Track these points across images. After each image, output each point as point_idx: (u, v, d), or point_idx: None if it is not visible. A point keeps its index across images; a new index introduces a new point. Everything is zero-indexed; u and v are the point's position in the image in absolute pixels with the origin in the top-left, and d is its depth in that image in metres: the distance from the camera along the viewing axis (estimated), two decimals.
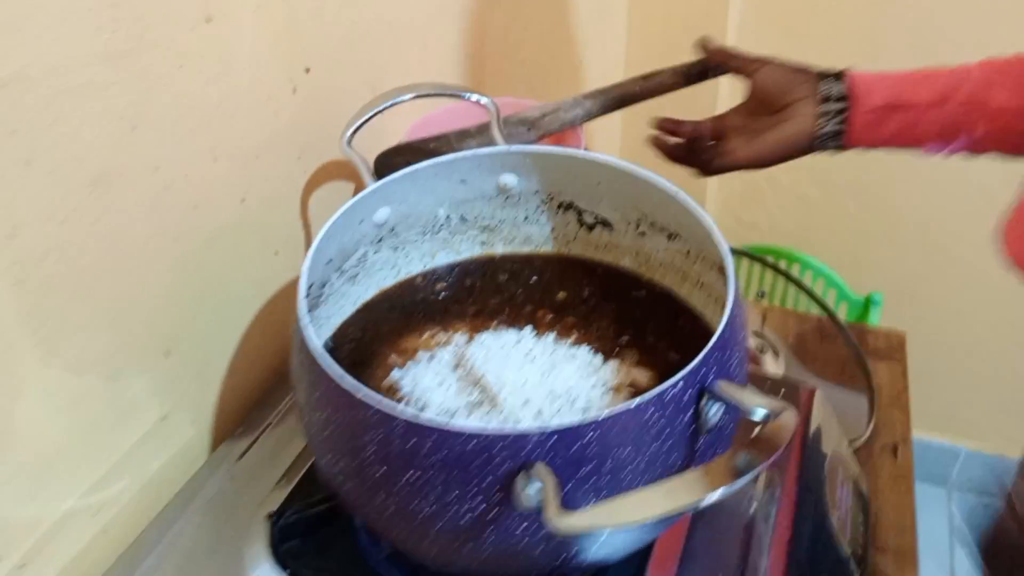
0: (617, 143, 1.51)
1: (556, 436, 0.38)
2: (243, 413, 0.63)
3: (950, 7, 1.23)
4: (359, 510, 0.46)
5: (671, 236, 0.57)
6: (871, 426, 0.79)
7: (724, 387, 0.40)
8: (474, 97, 0.60)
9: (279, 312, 0.65)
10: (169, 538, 0.53)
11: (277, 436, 0.61)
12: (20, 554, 0.47)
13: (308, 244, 0.67)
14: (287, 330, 0.67)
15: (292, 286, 0.66)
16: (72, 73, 0.43)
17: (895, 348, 0.90)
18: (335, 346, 0.56)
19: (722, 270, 0.51)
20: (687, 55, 0.69)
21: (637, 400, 0.39)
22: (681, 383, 0.40)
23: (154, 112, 0.49)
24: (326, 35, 0.63)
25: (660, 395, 0.39)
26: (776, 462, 0.57)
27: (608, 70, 1.36)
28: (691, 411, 0.41)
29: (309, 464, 0.58)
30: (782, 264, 1.47)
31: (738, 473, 0.36)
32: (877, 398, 0.82)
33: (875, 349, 0.90)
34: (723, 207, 1.56)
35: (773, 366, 0.83)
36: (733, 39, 1.35)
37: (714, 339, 0.42)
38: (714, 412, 0.41)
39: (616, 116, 1.37)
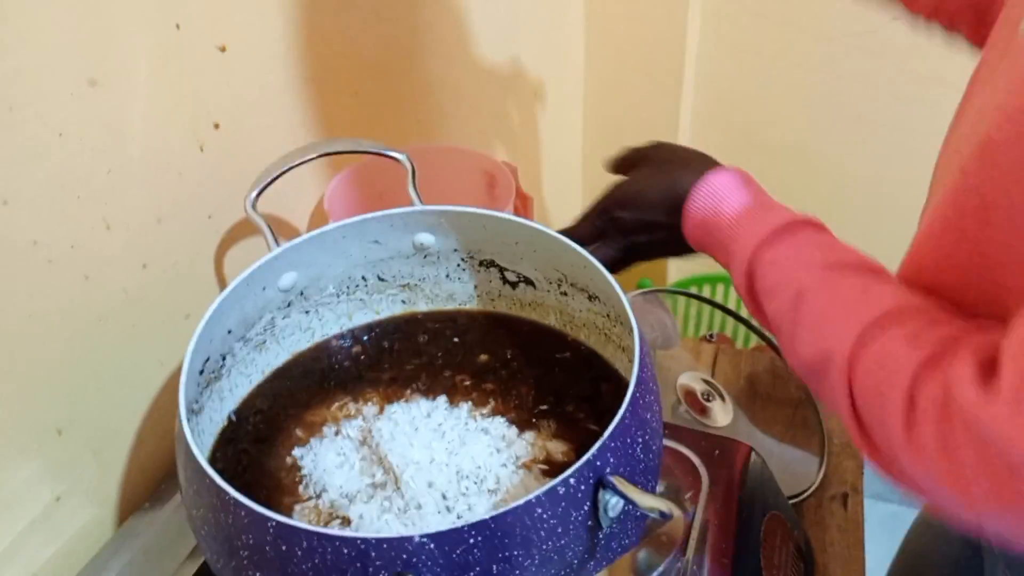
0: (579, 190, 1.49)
1: (434, 542, 0.35)
2: (152, 487, 0.60)
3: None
4: None
5: (591, 297, 0.55)
6: (820, 474, 0.77)
7: (619, 483, 0.37)
8: (390, 153, 0.58)
9: None
10: None
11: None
12: None
13: None
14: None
15: None
16: None
17: None
18: (239, 420, 0.54)
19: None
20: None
21: (524, 499, 0.36)
22: (573, 479, 0.37)
23: (28, 185, 0.47)
24: (236, 90, 0.61)
25: (550, 491, 0.37)
26: (710, 530, 0.55)
27: (567, 109, 1.34)
28: (587, 505, 0.38)
29: None
30: (720, 290, 1.45)
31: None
32: (827, 445, 0.80)
33: None
34: None
35: (721, 413, 0.80)
36: (692, 62, 1.34)
37: (612, 427, 0.39)
38: (614, 504, 0.39)
39: (578, 157, 1.35)
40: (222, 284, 0.64)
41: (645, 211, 0.54)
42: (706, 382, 0.83)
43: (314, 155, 0.56)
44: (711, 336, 0.92)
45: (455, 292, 0.62)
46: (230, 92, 0.61)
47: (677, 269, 1.52)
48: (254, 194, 0.54)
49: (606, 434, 0.39)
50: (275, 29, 0.64)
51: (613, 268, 0.54)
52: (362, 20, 0.75)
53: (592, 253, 0.50)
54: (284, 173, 0.55)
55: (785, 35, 1.27)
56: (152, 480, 0.60)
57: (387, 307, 0.62)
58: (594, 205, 0.58)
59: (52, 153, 0.48)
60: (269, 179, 0.55)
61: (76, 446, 0.54)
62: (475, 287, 0.61)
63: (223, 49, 0.59)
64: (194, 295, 0.62)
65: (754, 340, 1.19)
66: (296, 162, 0.55)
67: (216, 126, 0.60)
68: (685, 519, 0.34)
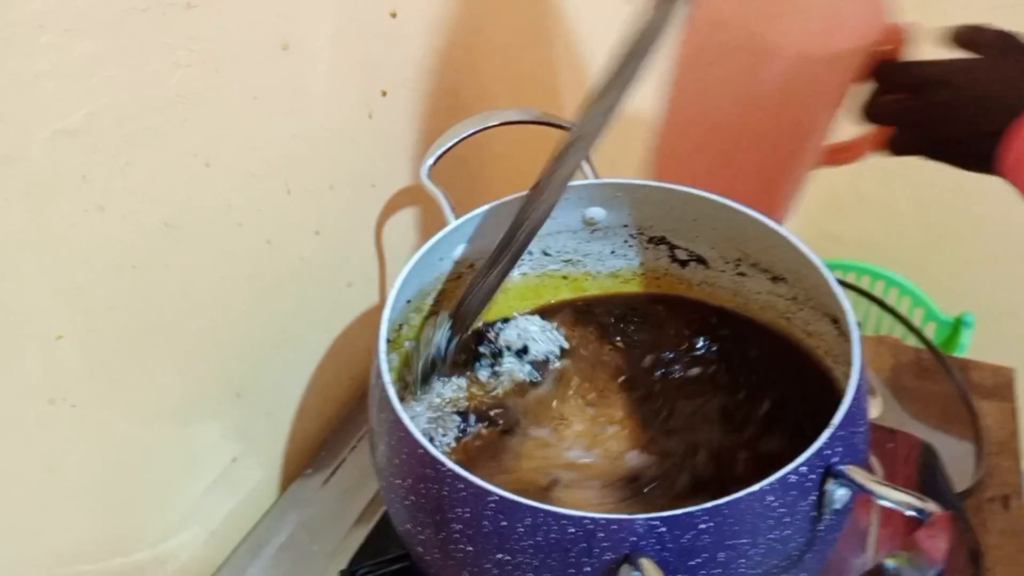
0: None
1: (665, 525, 0.34)
2: (313, 452, 0.61)
3: None
4: None
5: (775, 279, 0.53)
6: (980, 473, 0.73)
7: (856, 474, 0.35)
8: (565, 124, 0.56)
9: (351, 346, 0.62)
10: None
11: (348, 477, 0.59)
12: None
13: (382, 274, 0.64)
14: (359, 364, 0.65)
15: (364, 318, 0.64)
16: (146, 115, 0.41)
17: (1003, 386, 0.83)
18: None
19: (836, 321, 0.47)
20: None
21: (757, 485, 0.35)
22: (804, 467, 0.35)
23: (228, 148, 0.47)
24: (403, 56, 0.60)
25: (783, 479, 0.35)
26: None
27: None
28: (814, 495, 0.37)
29: (381, 513, 0.55)
30: (865, 280, 1.40)
31: None
32: (985, 443, 0.76)
33: (980, 386, 0.83)
34: (805, 218, 1.49)
35: (873, 407, 0.77)
36: None
37: (841, 414, 0.37)
38: (840, 495, 0.37)
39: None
40: (380, 253, 0.64)
41: (981, 103, 0.47)
42: None
43: (491, 123, 0.55)
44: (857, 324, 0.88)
45: (619, 269, 0.60)
46: (397, 59, 0.60)
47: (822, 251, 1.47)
48: (431, 161, 0.54)
49: (835, 422, 0.37)
50: None
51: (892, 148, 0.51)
52: None
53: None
54: (462, 140, 0.54)
55: None
56: (313, 446, 0.61)
57: (550, 289, 0.61)
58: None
59: (249, 117, 0.48)
60: (445, 147, 0.54)
61: (252, 409, 0.54)
62: (640, 264, 0.60)
63: (393, 15, 0.58)
64: (357, 263, 0.62)
65: (886, 327, 1.14)
66: (472, 130, 0.55)
67: (384, 93, 0.60)
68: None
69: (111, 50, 0.38)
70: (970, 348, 1.31)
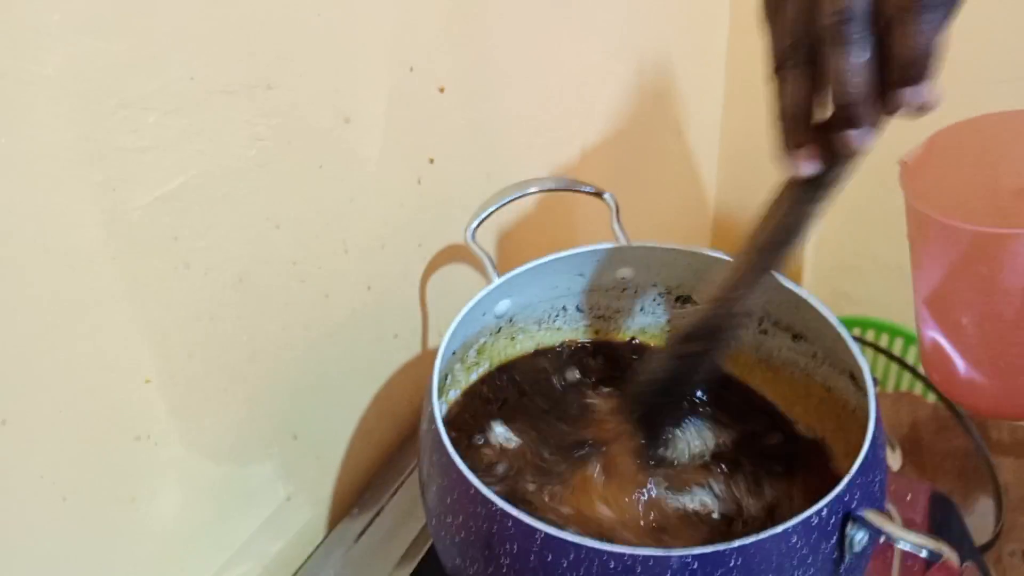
0: (708, 236, 1.50)
1: (698, 561, 0.37)
2: (358, 494, 0.64)
3: None
4: None
5: (796, 337, 0.56)
6: (1000, 527, 0.75)
7: (874, 517, 0.38)
8: (595, 191, 0.61)
9: (395, 393, 0.66)
10: None
11: (392, 517, 0.62)
12: None
13: (424, 327, 0.68)
14: (402, 410, 0.69)
15: (408, 368, 0.68)
16: (228, 182, 0.46)
17: (1021, 443, 0.85)
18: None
19: (853, 377, 0.50)
20: None
21: (782, 526, 0.38)
22: (825, 510, 0.39)
23: (295, 211, 0.52)
24: (448, 127, 0.65)
25: (805, 521, 0.38)
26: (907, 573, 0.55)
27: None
28: (835, 538, 0.40)
29: (423, 553, 0.58)
30: (884, 338, 1.42)
31: None
32: (1004, 498, 0.78)
33: (998, 442, 0.85)
34: (819, 278, 1.52)
35: (892, 460, 0.79)
36: None
37: (859, 462, 0.40)
38: (860, 539, 0.40)
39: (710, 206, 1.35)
40: (424, 307, 0.68)
41: None
42: None
43: (531, 190, 0.59)
44: (874, 381, 0.91)
45: (647, 325, 0.64)
46: (444, 130, 0.65)
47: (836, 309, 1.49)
48: (475, 224, 0.58)
49: (853, 469, 0.40)
50: (486, 71, 0.68)
51: None
52: None
53: None
54: (503, 206, 0.59)
55: None
56: (358, 488, 0.64)
57: (581, 336, 0.65)
58: None
59: (313, 183, 0.53)
60: (489, 211, 0.59)
61: (306, 450, 0.58)
62: (668, 321, 0.64)
63: (441, 90, 0.64)
64: (402, 316, 0.66)
65: (913, 387, 1.16)
66: (513, 196, 0.59)
67: (431, 161, 0.65)
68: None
69: (204, 126, 0.43)
70: None
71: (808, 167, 0.38)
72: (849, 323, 1.44)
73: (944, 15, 0.32)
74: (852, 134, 0.35)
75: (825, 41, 0.34)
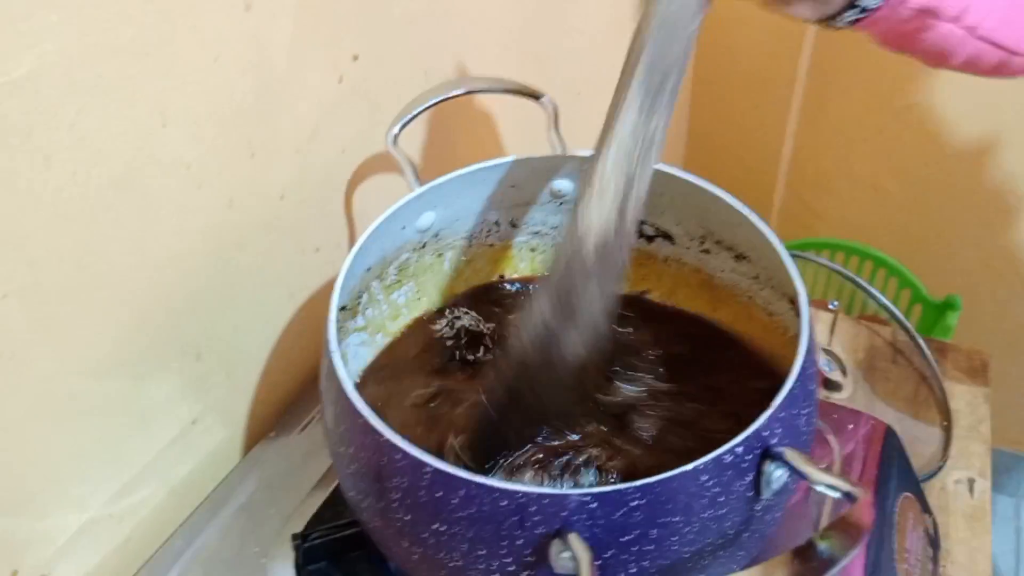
0: (681, 152, 1.44)
1: (597, 501, 0.34)
2: (277, 416, 0.61)
3: None
4: (385, 550, 0.43)
5: (738, 257, 0.52)
6: (946, 456, 0.73)
7: (792, 456, 0.35)
8: (533, 91, 0.56)
9: (317, 311, 0.62)
10: (193, 549, 0.51)
11: (311, 440, 0.59)
12: (42, 563, 0.45)
13: (351, 241, 0.64)
14: (323, 331, 0.65)
15: (330, 286, 0.63)
16: (96, 66, 0.40)
17: (977, 370, 0.83)
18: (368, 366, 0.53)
19: (793, 302, 0.47)
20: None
21: (691, 464, 0.35)
22: (740, 448, 0.35)
23: (187, 107, 0.46)
24: (376, 21, 0.59)
25: (716, 459, 0.35)
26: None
27: None
28: (751, 476, 0.37)
29: (337, 482, 0.55)
30: (853, 261, 1.39)
31: (830, 562, 0.31)
32: (953, 427, 0.76)
33: (954, 369, 0.83)
34: (792, 195, 1.48)
35: (842, 385, 0.77)
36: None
37: (781, 396, 0.37)
38: (778, 476, 0.37)
39: (683, 123, 1.30)
40: (350, 219, 0.64)
41: None
42: (827, 352, 0.80)
43: (459, 91, 0.54)
44: (834, 305, 0.88)
45: None
46: (369, 24, 0.59)
47: (792, 233, 1.46)
48: (397, 128, 0.53)
49: (775, 403, 0.37)
50: None
51: None
52: None
53: None
54: (427, 109, 0.53)
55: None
56: (277, 409, 0.61)
57: (517, 255, 0.60)
58: None
59: (208, 77, 0.47)
60: (412, 114, 0.53)
61: (212, 369, 0.54)
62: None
63: None
64: (325, 229, 0.61)
65: (871, 307, 1.14)
66: (439, 98, 0.54)
67: (355, 58, 0.59)
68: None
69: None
70: (957, 331, 1.31)
71: None
72: (818, 245, 1.40)
73: None
74: None
75: None
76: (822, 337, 0.86)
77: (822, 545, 0.31)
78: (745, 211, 0.48)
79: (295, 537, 0.50)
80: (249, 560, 0.50)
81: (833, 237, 1.43)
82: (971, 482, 0.73)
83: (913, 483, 0.61)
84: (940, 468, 0.72)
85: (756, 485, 0.37)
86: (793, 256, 0.85)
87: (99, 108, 0.41)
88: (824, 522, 0.52)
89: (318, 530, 0.50)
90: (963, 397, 0.80)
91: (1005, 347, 1.39)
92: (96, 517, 0.49)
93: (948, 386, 0.80)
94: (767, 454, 0.36)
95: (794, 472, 0.36)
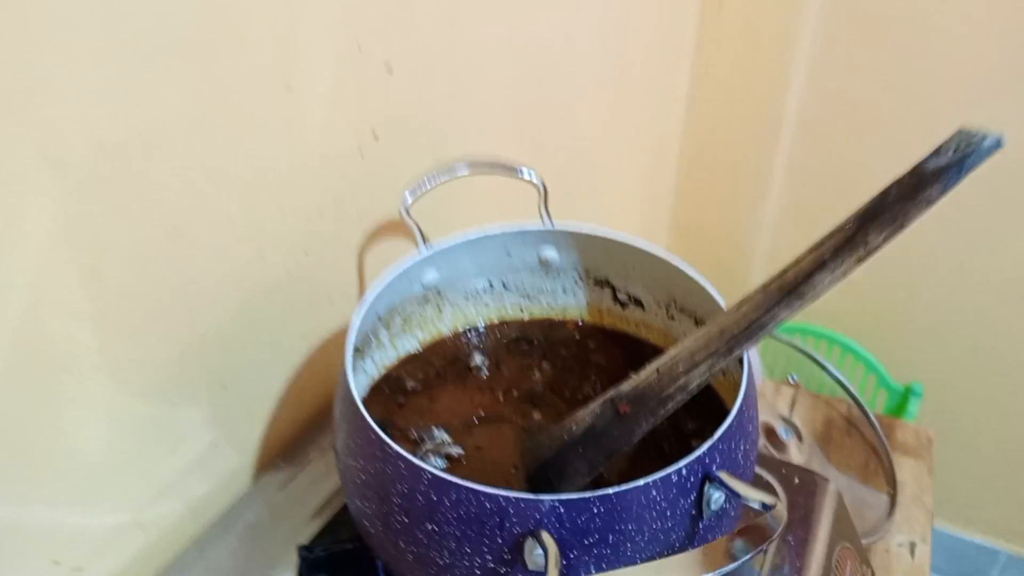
0: (665, 237, 1.54)
1: (564, 506, 0.41)
2: (286, 448, 0.68)
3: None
4: (382, 553, 0.50)
5: (698, 322, 0.60)
6: (890, 522, 0.80)
7: (725, 477, 0.43)
8: (528, 174, 0.65)
9: (327, 357, 0.70)
10: (206, 560, 0.57)
11: (315, 472, 0.65)
12: (78, 558, 0.52)
13: (361, 294, 0.72)
14: (332, 375, 0.73)
15: (341, 334, 0.71)
16: (161, 136, 0.49)
17: (923, 446, 0.90)
18: (373, 396, 0.61)
19: (742, 362, 0.55)
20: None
21: (643, 480, 0.42)
22: (685, 468, 0.43)
23: (231, 171, 0.55)
24: (395, 104, 0.69)
25: (665, 477, 0.42)
26: (785, 551, 0.59)
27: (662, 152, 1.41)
28: (694, 495, 0.44)
29: (342, 505, 0.62)
30: (823, 345, 1.48)
31: (732, 558, 0.39)
32: (899, 495, 0.83)
33: (903, 444, 0.90)
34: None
35: (796, 452, 0.84)
36: (791, 116, 1.38)
37: (721, 431, 0.45)
38: (716, 498, 0.44)
39: (668, 212, 1.40)
40: (361, 275, 0.72)
41: None
42: (785, 420, 0.88)
43: (464, 170, 0.63)
44: (793, 379, 0.96)
45: (568, 306, 0.68)
46: (390, 108, 0.69)
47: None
48: (410, 198, 0.62)
49: (716, 435, 0.44)
50: (431, 57, 0.72)
51: None
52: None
53: None
54: (439, 184, 0.62)
55: (899, 98, 1.30)
56: (287, 441, 0.68)
57: (507, 313, 0.69)
58: None
59: (253, 145, 0.56)
60: (425, 186, 0.62)
61: (234, 400, 0.61)
62: (587, 303, 0.68)
63: (390, 70, 0.67)
64: (338, 283, 0.70)
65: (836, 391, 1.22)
66: (448, 176, 0.63)
67: (376, 137, 0.68)
68: (782, 511, 0.39)
69: (145, 82, 0.47)
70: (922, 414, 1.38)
71: None
72: (790, 330, 1.49)
73: None
74: None
75: None
76: (784, 408, 0.94)
77: (736, 543, 0.38)
78: (702, 280, 0.56)
79: (300, 548, 0.56)
80: (257, 569, 0.57)
81: (806, 323, 1.52)
82: (912, 545, 0.79)
83: (852, 536, 0.68)
84: (884, 531, 0.79)
85: (699, 505, 0.44)
86: None
87: (159, 172, 0.50)
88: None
89: (322, 543, 0.56)
90: (909, 470, 0.87)
91: (966, 432, 1.47)
92: (126, 523, 0.55)
93: (896, 458, 0.88)
94: (708, 477, 0.44)
95: (729, 492, 0.43)
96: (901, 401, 1.38)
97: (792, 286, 0.42)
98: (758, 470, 0.66)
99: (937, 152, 0.38)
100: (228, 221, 0.56)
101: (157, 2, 0.46)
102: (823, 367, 0.94)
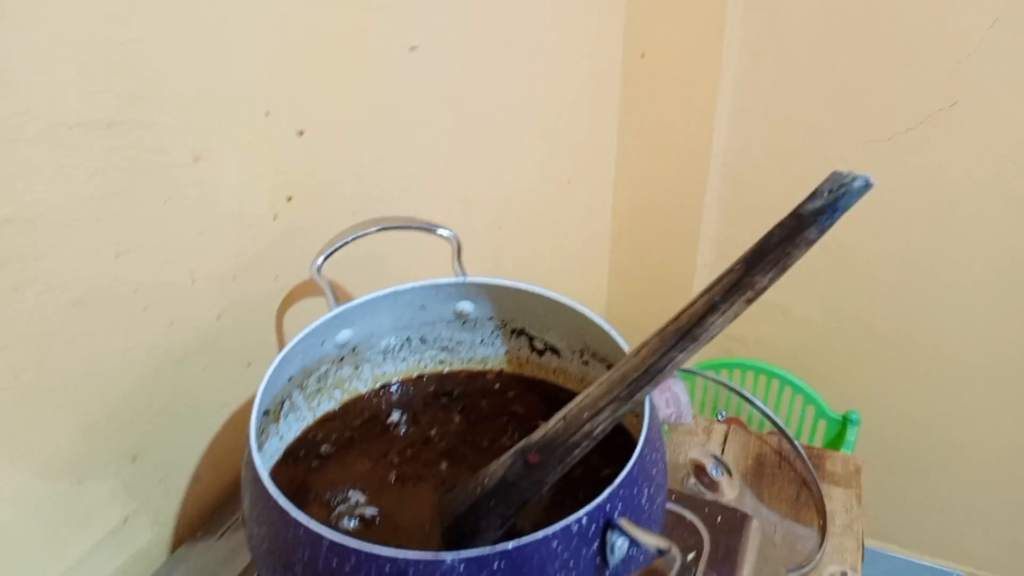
0: (605, 290, 1.57)
1: (464, 564, 0.41)
2: (204, 518, 0.66)
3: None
4: None
5: (610, 367, 0.61)
6: (821, 554, 0.81)
7: (624, 524, 0.43)
8: (439, 230, 0.66)
9: (246, 422, 0.69)
10: None
11: (232, 542, 0.64)
12: None
13: None
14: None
15: None
16: (64, 211, 0.49)
17: (851, 475, 0.92)
18: (287, 460, 0.60)
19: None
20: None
21: (542, 532, 0.42)
22: (585, 518, 0.43)
23: (137, 241, 0.55)
24: (308, 168, 0.70)
25: (566, 528, 0.43)
26: None
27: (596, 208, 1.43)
28: (596, 544, 0.44)
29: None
30: (762, 380, 1.50)
31: None
32: (829, 525, 0.84)
33: (831, 474, 0.92)
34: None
35: (728, 488, 0.85)
36: (719, 155, 1.42)
37: (620, 478, 0.45)
38: (619, 545, 0.44)
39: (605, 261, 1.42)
40: (281, 338, 0.72)
41: None
42: (715, 458, 0.89)
43: (373, 229, 0.64)
44: (722, 416, 0.98)
45: (487, 356, 0.69)
46: (303, 171, 0.69)
47: (699, 355, 1.57)
48: (320, 259, 0.62)
49: (616, 482, 0.45)
50: (346, 118, 0.73)
51: None
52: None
53: None
54: (347, 244, 0.63)
55: (816, 136, 1.35)
56: (205, 511, 0.67)
57: (427, 367, 0.69)
58: None
59: (161, 216, 0.56)
60: (334, 247, 0.63)
61: (147, 473, 0.60)
62: (506, 352, 0.68)
63: (301, 134, 0.68)
64: (257, 345, 0.69)
65: (766, 426, 1.23)
66: (358, 234, 0.63)
67: (289, 199, 0.69)
68: (682, 561, 0.39)
69: (41, 158, 0.47)
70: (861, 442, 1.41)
71: None
72: (730, 365, 1.52)
73: None
74: None
75: None
76: (715, 446, 0.95)
77: None
78: (607, 327, 0.57)
79: None
80: None
81: (746, 358, 1.54)
82: (843, 575, 0.80)
83: (777, 572, 0.68)
84: (815, 563, 0.80)
85: (603, 553, 0.45)
86: (682, 371, 0.95)
87: (62, 243, 0.50)
88: None
89: None
90: (839, 499, 0.89)
91: (908, 458, 1.49)
92: None
93: (826, 488, 0.89)
94: (609, 525, 0.44)
95: (630, 539, 0.43)
96: (840, 430, 1.40)
97: (686, 329, 0.43)
98: (680, 510, 0.66)
99: (813, 196, 0.40)
100: (133, 292, 0.56)
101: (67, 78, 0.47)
102: (750, 402, 0.96)
